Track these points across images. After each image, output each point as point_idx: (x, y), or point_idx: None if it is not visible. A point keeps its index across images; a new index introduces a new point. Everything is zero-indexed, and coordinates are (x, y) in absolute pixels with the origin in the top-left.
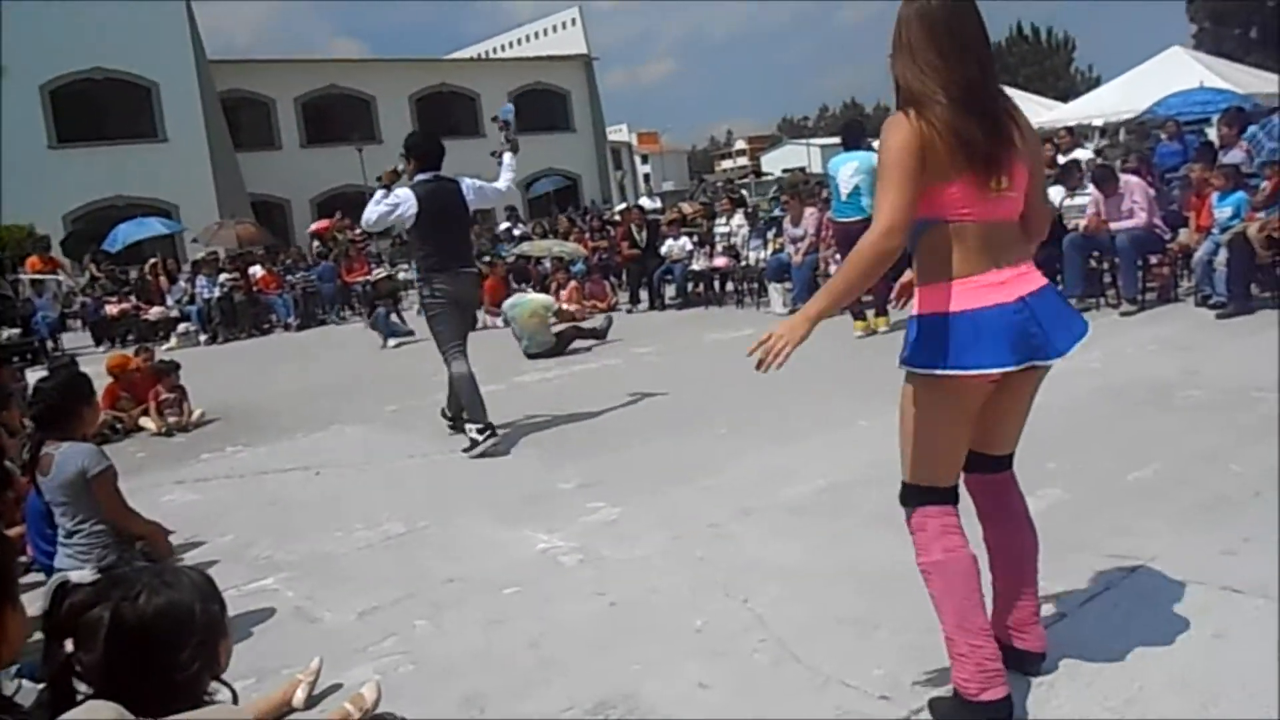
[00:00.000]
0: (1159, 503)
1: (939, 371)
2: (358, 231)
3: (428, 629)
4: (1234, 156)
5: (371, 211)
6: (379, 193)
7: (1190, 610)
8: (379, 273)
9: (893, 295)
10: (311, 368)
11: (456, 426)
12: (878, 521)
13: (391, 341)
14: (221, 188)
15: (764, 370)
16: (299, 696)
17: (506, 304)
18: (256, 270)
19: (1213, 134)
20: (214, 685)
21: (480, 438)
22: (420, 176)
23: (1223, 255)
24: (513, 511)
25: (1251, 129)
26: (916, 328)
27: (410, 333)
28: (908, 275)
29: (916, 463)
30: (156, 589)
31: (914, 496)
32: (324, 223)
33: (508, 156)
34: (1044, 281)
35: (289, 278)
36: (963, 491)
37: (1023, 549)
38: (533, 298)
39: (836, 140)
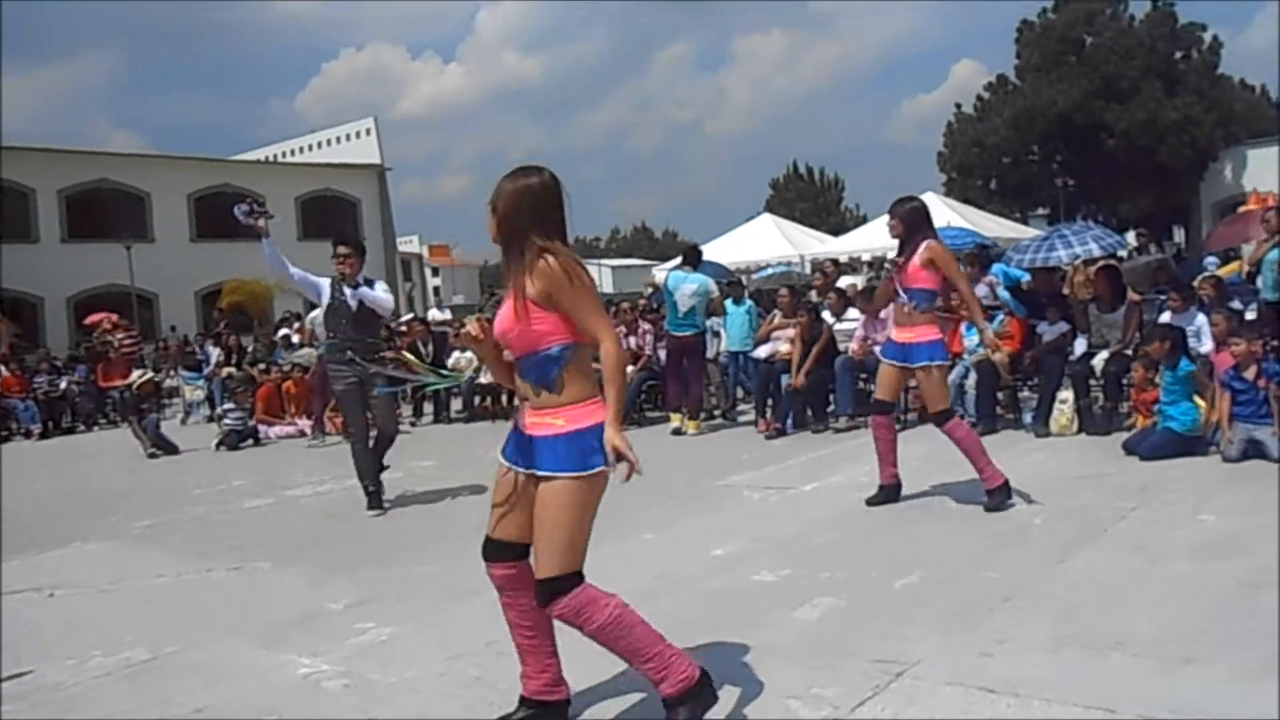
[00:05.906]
0: (923, 608)
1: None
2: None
3: None
4: (981, 291)
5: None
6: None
7: (950, 710)
8: (142, 375)
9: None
10: (54, 479)
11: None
12: None
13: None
14: None
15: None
16: None
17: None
18: None
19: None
20: None
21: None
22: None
23: (972, 379)
24: (274, 633)
25: (997, 266)
26: (586, 439)
27: (174, 448)
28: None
29: (579, 551)
30: None
31: (575, 580)
32: (100, 316)
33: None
34: None
35: (35, 380)
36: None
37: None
38: None
39: (627, 261)
